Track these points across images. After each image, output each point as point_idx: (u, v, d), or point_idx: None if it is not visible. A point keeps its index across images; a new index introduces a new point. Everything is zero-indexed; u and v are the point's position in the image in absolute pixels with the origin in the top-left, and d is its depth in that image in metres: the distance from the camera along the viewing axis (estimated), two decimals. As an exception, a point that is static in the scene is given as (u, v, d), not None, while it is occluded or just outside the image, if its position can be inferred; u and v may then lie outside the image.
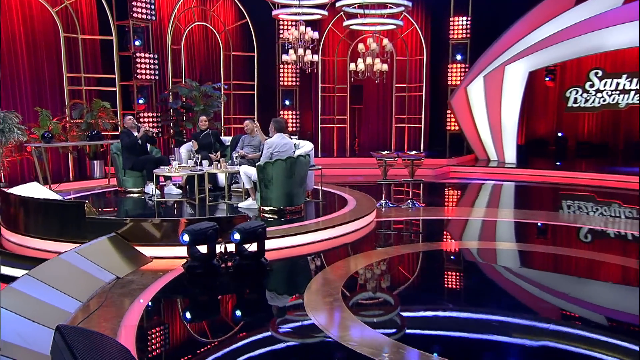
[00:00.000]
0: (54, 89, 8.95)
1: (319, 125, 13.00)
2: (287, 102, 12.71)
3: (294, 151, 6.00)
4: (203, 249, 4.27)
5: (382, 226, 6.04)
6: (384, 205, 7.06)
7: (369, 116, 13.68)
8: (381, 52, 10.57)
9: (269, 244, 4.76)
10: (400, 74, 13.04)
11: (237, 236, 4.19)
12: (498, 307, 3.56)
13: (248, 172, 6.14)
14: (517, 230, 5.84)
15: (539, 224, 5.84)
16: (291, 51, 10.39)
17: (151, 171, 6.59)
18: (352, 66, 10.65)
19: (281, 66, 12.31)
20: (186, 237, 4.15)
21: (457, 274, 4.38)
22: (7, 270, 4.09)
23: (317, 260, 4.81)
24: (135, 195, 7.06)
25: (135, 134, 7.08)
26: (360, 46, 10.33)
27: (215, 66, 11.92)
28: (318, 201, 6.77)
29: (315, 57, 10.63)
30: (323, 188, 7.55)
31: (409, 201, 7.18)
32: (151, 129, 7.12)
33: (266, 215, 5.83)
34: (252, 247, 4.33)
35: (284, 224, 5.40)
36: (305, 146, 6.86)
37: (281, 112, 12.23)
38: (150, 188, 6.95)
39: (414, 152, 7.40)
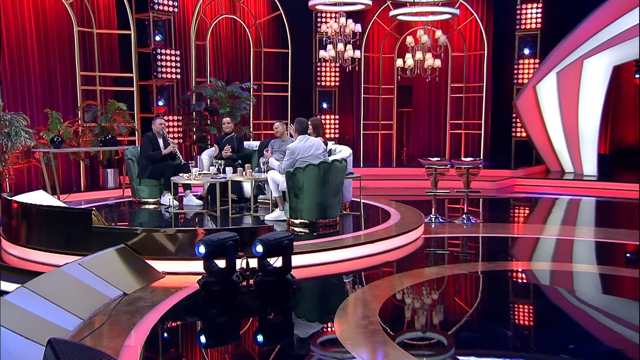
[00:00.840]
0: (65, 89, 9.32)
1: (361, 132, 12.99)
2: (324, 105, 12.78)
3: (325, 153, 5.98)
4: (222, 263, 4.26)
5: (432, 243, 5.96)
6: (433, 221, 6.95)
7: (419, 121, 13.56)
8: (433, 46, 10.48)
9: (297, 260, 4.74)
10: (457, 72, 12.88)
11: (259, 248, 4.17)
12: (581, 349, 3.26)
13: (276, 179, 6.16)
14: (598, 251, 5.61)
15: (628, 254, 5.53)
16: (330, 47, 10.47)
17: (169, 179, 6.71)
18: (399, 62, 10.63)
19: (318, 64, 12.42)
20: (202, 249, 4.16)
21: (526, 301, 4.19)
22: (5, 286, 4.21)
23: (353, 280, 4.75)
24: (151, 206, 7.20)
25: (160, 142, 7.24)
26: (409, 39, 10.29)
27: (244, 64, 12.15)
28: (357, 214, 6.75)
29: (358, 53, 10.66)
30: (363, 200, 7.54)
31: (464, 216, 7.01)
32: (177, 150, 7.25)
33: (296, 229, 5.83)
34: (278, 262, 4.29)
35: (315, 239, 5.39)
36: (343, 151, 6.86)
37: (318, 117, 12.27)
38: (168, 199, 7.07)
39: (469, 159, 7.24)
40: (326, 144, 6.57)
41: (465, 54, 12.71)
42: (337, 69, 12.49)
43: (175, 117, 10.39)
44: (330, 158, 6.00)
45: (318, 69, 12.52)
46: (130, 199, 7.60)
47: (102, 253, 4.49)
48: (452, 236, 6.28)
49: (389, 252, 5.43)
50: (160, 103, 10.24)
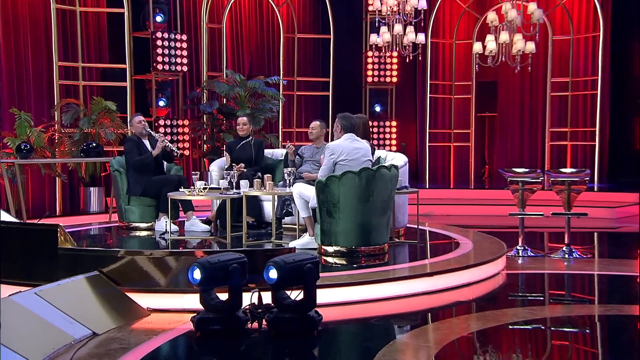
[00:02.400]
0: (39, 84, 9.71)
1: (427, 143, 12.94)
2: (377, 108, 12.83)
3: (371, 161, 5.94)
4: (225, 295, 4.24)
5: (517, 281, 5.86)
6: (520, 253, 6.79)
7: (507, 129, 13.38)
8: (525, 24, 10.38)
9: (327, 295, 4.69)
10: (560, 62, 12.67)
11: (273, 274, 4.13)
12: None
13: (304, 194, 6.15)
14: None
15: None
16: (384, 29, 10.52)
17: (167, 198, 6.79)
18: (477, 47, 10.57)
19: (369, 54, 12.49)
20: (197, 274, 4.15)
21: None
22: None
23: (401, 322, 4.67)
24: (143, 232, 7.31)
25: (147, 144, 7.39)
26: (492, 16, 10.25)
27: (271, 55, 12.39)
28: (413, 243, 6.71)
29: (422, 38, 10.68)
30: (427, 228, 7.47)
31: (564, 249, 6.79)
32: (169, 144, 7.39)
33: (329, 259, 5.80)
34: (299, 294, 4.23)
35: (353, 270, 5.36)
36: (395, 159, 6.82)
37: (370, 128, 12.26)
38: (164, 222, 7.15)
39: (570, 170, 7.05)
40: (373, 151, 6.54)
41: (572, 37, 12.49)
42: (395, 59, 12.53)
43: (180, 122, 10.61)
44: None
45: (369, 59, 12.59)
46: (117, 223, 7.73)
47: (68, 281, 4.54)
48: (547, 273, 6.16)
49: (455, 290, 5.33)
50: (161, 103, 10.51)
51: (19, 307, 4.04)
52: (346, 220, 5.76)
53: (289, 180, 6.49)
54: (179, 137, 10.51)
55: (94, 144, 9.06)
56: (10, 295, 4.21)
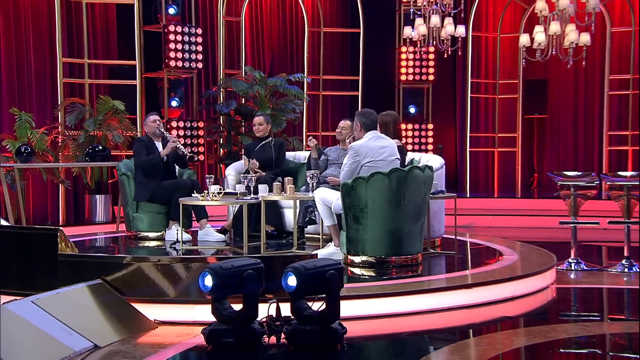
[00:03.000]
0: (41, 82, 9.89)
1: (467, 148, 12.90)
2: (411, 109, 12.83)
3: (399, 159, 5.95)
4: (239, 306, 4.25)
5: (570, 296, 5.84)
6: (572, 267, 6.74)
7: (559, 133, 13.28)
8: (579, 15, 10.29)
9: (353, 307, 4.68)
10: (619, 57, 12.53)
11: (292, 281, 4.13)
12: None
13: (327, 199, 6.16)
14: None
15: None
16: (419, 21, 10.53)
17: (179, 204, 6.85)
18: (523, 39, 10.51)
19: (403, 49, 12.50)
20: (209, 280, 4.17)
21: None
22: None
23: (436, 337, 4.66)
24: (152, 242, 7.37)
25: (159, 147, 7.48)
26: (540, 4, 10.17)
27: (295, 51, 12.47)
28: (450, 254, 6.70)
29: (461, 31, 10.65)
30: (462, 238, 7.46)
31: (624, 262, 6.69)
32: (182, 147, 7.45)
33: (355, 270, 5.80)
34: (321, 305, 4.24)
35: (383, 281, 5.38)
36: (430, 161, 6.81)
37: (401, 127, 12.27)
38: (175, 232, 7.20)
39: (629, 174, 6.95)
40: (404, 152, 6.53)
41: (633, 28, 12.35)
42: (431, 55, 12.52)
43: (195, 124, 10.71)
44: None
45: (402, 56, 12.60)
46: (124, 233, 7.81)
47: (68, 289, 4.59)
48: (603, 288, 6.10)
49: (497, 304, 5.30)
50: (174, 103, 10.63)
51: (13, 316, 4.10)
52: (375, 227, 5.74)
53: (312, 184, 6.49)
54: (192, 141, 10.60)
55: (100, 147, 9.19)
56: (4, 303, 4.27)
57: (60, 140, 9.57)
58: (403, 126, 12.24)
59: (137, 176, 7.47)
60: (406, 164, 6.43)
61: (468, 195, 12.01)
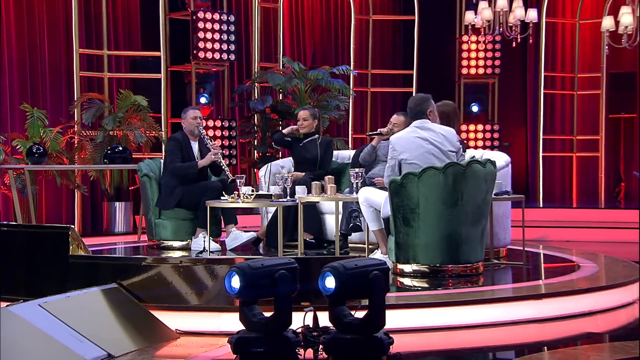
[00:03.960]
0: (56, 76, 10.06)
1: (540, 152, 12.78)
2: (474, 108, 12.76)
3: (458, 153, 5.95)
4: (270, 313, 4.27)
5: None
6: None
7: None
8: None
9: (403, 317, 4.70)
10: None
11: (330, 282, 4.12)
12: None
13: (372, 200, 6.17)
14: None
15: None
16: (483, 4, 10.47)
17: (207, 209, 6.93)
18: (606, 23, 10.35)
19: (464, 38, 12.47)
20: (236, 281, 4.18)
21: None
22: None
23: (501, 354, 4.65)
24: (176, 252, 7.45)
25: (195, 148, 7.57)
26: (626, -17, 10.04)
27: (339, 41, 12.54)
28: (518, 264, 6.68)
29: (534, 15, 10.57)
30: (533, 249, 7.42)
31: None
32: (222, 161, 7.53)
33: (406, 280, 5.81)
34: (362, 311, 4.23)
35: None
36: (494, 158, 6.77)
37: (461, 127, 12.23)
38: (202, 240, 7.27)
39: None
40: (463, 147, 6.51)
41: None
42: (498, 46, 12.45)
43: (226, 123, 10.81)
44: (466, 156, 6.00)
45: (463, 46, 12.56)
46: (145, 242, 7.91)
47: (80, 293, 4.66)
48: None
49: (573, 319, 5.23)
50: (203, 100, 10.75)
51: (17, 319, 4.17)
52: (428, 231, 5.74)
53: (356, 184, 6.50)
54: (224, 142, 10.69)
55: (121, 148, 9.32)
56: (8, 305, 4.36)
57: (76, 141, 9.73)
58: (464, 127, 12.21)
59: (164, 179, 7.54)
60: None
61: (541, 205, 11.87)
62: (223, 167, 7.50)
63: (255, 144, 10.87)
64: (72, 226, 5.13)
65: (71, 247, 5.04)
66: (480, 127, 12.51)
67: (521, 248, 7.05)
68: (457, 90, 12.81)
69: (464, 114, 12.56)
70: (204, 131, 7.62)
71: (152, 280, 4.88)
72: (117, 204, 9.67)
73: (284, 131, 7.98)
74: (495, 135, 12.48)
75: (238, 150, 10.92)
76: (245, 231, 7.50)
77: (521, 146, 13.20)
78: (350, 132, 11.96)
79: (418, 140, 5.92)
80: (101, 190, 9.99)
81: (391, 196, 5.85)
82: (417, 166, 5.82)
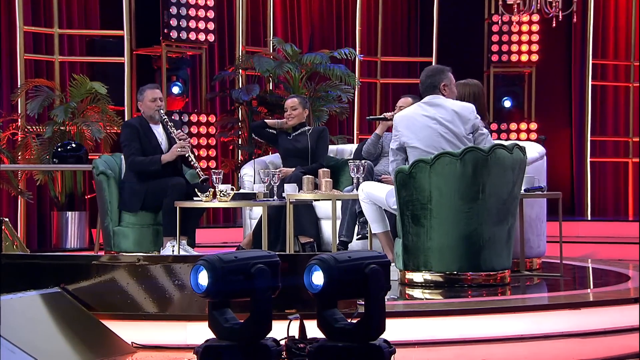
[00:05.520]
0: (-5, 59, 10.09)
1: (587, 157, 12.79)
2: (506, 103, 12.79)
3: (478, 133, 5.98)
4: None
5: None
6: None
7: None
8: None
9: (408, 328, 4.74)
10: None
11: (317, 278, 4.13)
12: None
13: (376, 196, 6.20)
14: None
15: None
16: (515, -24, 10.47)
17: (174, 210, 6.98)
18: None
19: (494, 18, 12.52)
20: (204, 278, 4.19)
21: None
22: None
23: None
24: (139, 267, 7.46)
25: (158, 135, 7.62)
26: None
27: (342, 22, 12.60)
28: (553, 276, 6.74)
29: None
30: (573, 262, 7.45)
31: None
32: (192, 155, 7.59)
33: (416, 292, 5.84)
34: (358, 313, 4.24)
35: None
36: (527, 149, 6.81)
37: (490, 126, 12.27)
38: (171, 251, 7.28)
39: None
40: (488, 129, 6.55)
41: None
42: (535, 27, 12.50)
43: (204, 117, 10.85)
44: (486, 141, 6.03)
45: (493, 28, 12.62)
46: (100, 253, 7.93)
47: (14, 297, 4.66)
48: None
49: (619, 335, 5.20)
50: (176, 89, 10.81)
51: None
52: (442, 231, 5.76)
53: (357, 178, 6.51)
54: (200, 141, 10.72)
55: (74, 145, 9.35)
56: None
57: (19, 138, 9.76)
58: (494, 126, 12.23)
59: (127, 176, 7.61)
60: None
61: (589, 218, 11.87)
62: (192, 163, 7.53)
63: (240, 142, 10.89)
64: (6, 219, 5.14)
65: (4, 245, 5.06)
66: (513, 126, 12.55)
67: (558, 261, 7.06)
68: (485, 81, 12.84)
69: (494, 110, 12.63)
70: (166, 117, 7.63)
71: (102, 283, 4.87)
72: (69, 214, 9.69)
73: (267, 121, 8.04)
74: (532, 135, 12.50)
75: (219, 151, 10.97)
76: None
77: (564, 150, 13.21)
78: (355, 131, 11.98)
79: (423, 119, 5.94)
80: (50, 198, 10.01)
81: (398, 189, 5.87)
82: (421, 151, 5.86)
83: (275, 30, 11.74)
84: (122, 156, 7.79)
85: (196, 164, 7.57)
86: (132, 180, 7.53)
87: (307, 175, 6.75)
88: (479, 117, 6.12)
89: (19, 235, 9.79)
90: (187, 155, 7.51)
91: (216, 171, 7.05)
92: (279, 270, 4.36)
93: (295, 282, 4.53)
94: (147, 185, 7.46)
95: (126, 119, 10.16)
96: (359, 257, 4.27)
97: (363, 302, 4.23)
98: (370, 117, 7.71)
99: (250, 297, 4.25)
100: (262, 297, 4.25)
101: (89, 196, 10.01)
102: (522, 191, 6.25)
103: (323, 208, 7.34)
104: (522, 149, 5.97)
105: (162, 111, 7.59)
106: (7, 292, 4.82)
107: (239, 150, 11.04)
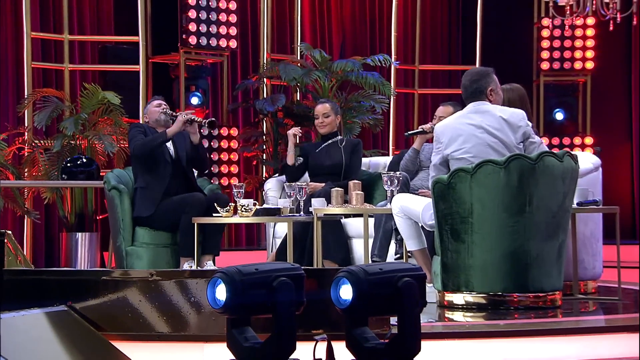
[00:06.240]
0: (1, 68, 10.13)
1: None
2: (558, 115, 12.74)
3: (528, 141, 5.94)
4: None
5: None
6: None
7: None
8: None
9: (447, 351, 4.69)
10: None
11: (346, 292, 4.13)
12: None
13: (412, 210, 6.18)
14: None
15: None
16: (568, -24, 10.43)
17: (192, 228, 7.01)
18: None
19: (544, 21, 12.49)
20: (221, 292, 4.20)
21: None
22: None
23: None
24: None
25: (169, 146, 7.71)
26: None
27: (377, 28, 12.63)
28: (611, 300, 6.71)
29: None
30: (633, 286, 7.37)
31: None
32: (196, 118, 7.63)
33: (457, 315, 5.81)
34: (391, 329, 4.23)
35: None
36: (581, 159, 6.78)
37: (541, 139, 12.20)
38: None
39: None
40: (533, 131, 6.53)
41: None
42: (590, 32, 12.46)
43: (225, 131, 10.89)
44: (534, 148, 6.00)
45: (543, 32, 12.59)
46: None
47: (17, 315, 4.68)
48: None
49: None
50: (195, 100, 10.84)
51: None
52: (485, 247, 5.75)
53: (391, 191, 6.50)
54: (221, 156, 10.75)
55: (85, 160, 9.39)
56: None
57: (26, 153, 9.81)
58: (545, 140, 12.15)
59: (139, 181, 7.67)
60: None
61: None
62: (197, 120, 7.56)
63: (264, 158, 10.90)
64: (9, 232, 5.18)
65: (7, 259, 5.08)
66: (566, 140, 12.48)
67: (616, 285, 7.01)
68: (535, 91, 12.80)
69: (544, 124, 12.58)
70: (170, 111, 7.74)
71: (112, 301, 4.90)
72: (79, 235, 9.69)
73: (287, 159, 7.97)
74: (588, 150, 12.42)
75: (241, 167, 10.98)
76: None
77: (623, 166, 13.12)
78: (391, 146, 11.96)
79: (469, 128, 5.91)
80: (58, 217, 10.05)
81: (436, 201, 5.86)
82: (468, 162, 5.83)
83: (303, 36, 11.77)
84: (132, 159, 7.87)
85: (202, 120, 7.61)
86: (145, 182, 7.58)
87: (337, 188, 6.74)
88: (530, 124, 6.10)
89: (24, 256, 9.93)
90: (192, 118, 7.52)
91: (237, 185, 7.08)
92: (303, 284, 4.35)
93: (322, 299, 4.53)
94: (162, 191, 7.52)
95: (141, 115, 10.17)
96: (391, 269, 4.26)
97: (396, 322, 4.24)
98: (409, 132, 7.68)
99: (273, 314, 4.26)
100: (285, 313, 4.24)
101: (100, 217, 10.05)
102: (575, 205, 6.21)
103: (354, 226, 7.32)
104: (574, 157, 5.95)
105: (167, 110, 7.74)
106: (9, 310, 4.87)
107: (264, 166, 11.04)
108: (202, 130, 7.66)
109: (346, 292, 4.17)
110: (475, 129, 5.92)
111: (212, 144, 10.75)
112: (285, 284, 4.28)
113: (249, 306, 4.26)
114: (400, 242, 6.96)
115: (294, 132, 7.79)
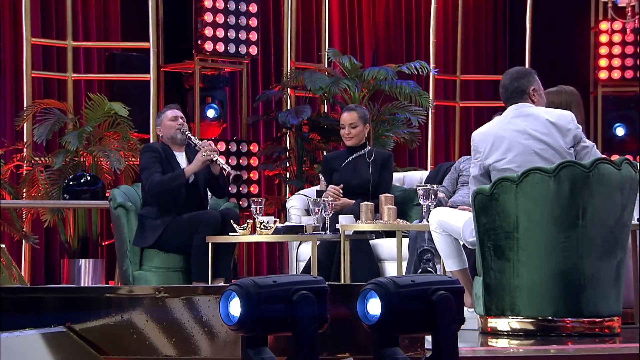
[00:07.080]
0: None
1: None
2: (618, 130, 12.68)
3: (578, 147, 5.94)
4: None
5: None
6: None
7: None
8: None
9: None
10: None
11: (374, 306, 4.14)
12: None
13: (450, 225, 6.16)
14: None
15: None
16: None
17: (207, 248, 7.06)
18: None
19: (601, 26, 12.46)
20: (236, 307, 4.21)
21: None
22: None
23: None
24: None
25: (181, 160, 7.76)
26: None
27: (414, 35, 12.63)
28: None
29: None
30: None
31: None
32: (222, 160, 7.66)
33: (501, 342, 5.75)
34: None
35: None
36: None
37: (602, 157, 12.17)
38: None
39: None
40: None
41: None
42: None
43: (245, 147, 10.92)
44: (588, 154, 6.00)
45: (601, 38, 12.55)
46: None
47: (11, 336, 4.71)
48: None
49: None
50: (211, 113, 10.87)
51: None
52: (533, 266, 5.72)
53: (427, 206, 6.50)
54: (240, 174, 10.75)
55: (89, 178, 9.43)
56: None
57: (24, 171, 9.86)
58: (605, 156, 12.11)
59: (145, 210, 7.72)
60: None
61: None
62: (219, 164, 7.60)
63: (287, 176, 10.92)
64: (2, 245, 5.21)
65: (0, 276, 5.12)
66: (628, 157, 12.38)
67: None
68: (592, 104, 12.77)
69: (602, 140, 12.54)
70: (189, 132, 7.76)
71: (116, 322, 4.90)
72: (82, 261, 9.73)
73: (318, 189, 8.02)
74: (648, 169, 12.38)
75: (262, 187, 10.98)
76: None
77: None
78: (429, 164, 11.93)
79: (511, 135, 5.87)
80: (60, 242, 10.09)
81: (477, 215, 5.83)
82: (513, 173, 5.78)
83: (331, 42, 11.76)
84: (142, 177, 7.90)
85: (223, 164, 7.65)
86: (152, 213, 7.61)
87: (366, 202, 6.73)
88: (580, 127, 6.06)
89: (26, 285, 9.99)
90: (214, 159, 7.56)
91: (256, 200, 7.10)
92: (327, 299, 4.34)
93: (348, 319, 4.52)
94: (170, 221, 7.53)
95: (153, 126, 10.16)
96: (424, 281, 4.24)
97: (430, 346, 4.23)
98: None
99: (292, 331, 4.25)
100: (306, 330, 4.23)
101: (106, 242, 10.07)
102: (635, 220, 6.18)
103: (386, 246, 7.34)
104: (634, 165, 5.92)
105: (184, 128, 7.72)
106: (2, 330, 4.87)
107: (287, 186, 11.03)
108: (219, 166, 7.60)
109: (374, 306, 4.16)
110: (519, 134, 5.87)
111: (229, 161, 10.74)
112: (306, 297, 4.27)
113: (265, 322, 4.25)
114: (427, 262, 6.94)
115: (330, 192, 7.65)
